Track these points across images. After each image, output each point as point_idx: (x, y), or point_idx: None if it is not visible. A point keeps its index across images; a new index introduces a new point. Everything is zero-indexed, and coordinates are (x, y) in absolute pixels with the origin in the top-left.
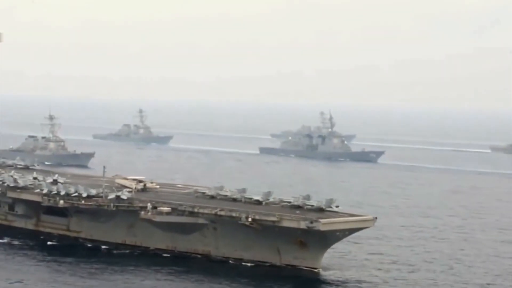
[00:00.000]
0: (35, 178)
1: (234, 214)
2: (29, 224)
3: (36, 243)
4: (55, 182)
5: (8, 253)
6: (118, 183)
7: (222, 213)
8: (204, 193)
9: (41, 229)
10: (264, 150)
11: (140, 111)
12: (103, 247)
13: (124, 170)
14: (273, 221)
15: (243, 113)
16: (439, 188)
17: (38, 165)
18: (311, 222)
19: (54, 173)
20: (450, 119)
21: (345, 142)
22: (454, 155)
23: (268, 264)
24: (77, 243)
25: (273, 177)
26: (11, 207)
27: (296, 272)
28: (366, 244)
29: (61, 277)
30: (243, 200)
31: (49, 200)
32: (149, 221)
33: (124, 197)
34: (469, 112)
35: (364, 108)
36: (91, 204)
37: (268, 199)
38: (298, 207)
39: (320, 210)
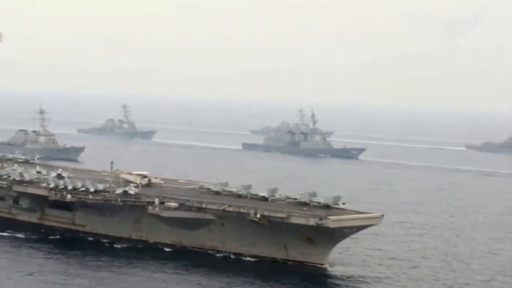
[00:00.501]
0: (38, 172)
1: (242, 210)
2: (33, 218)
3: (41, 237)
4: (59, 176)
5: (14, 246)
6: (123, 178)
7: (231, 209)
8: (209, 189)
9: (46, 222)
10: (247, 146)
11: (124, 106)
12: (105, 240)
13: (116, 165)
14: (282, 218)
15: (222, 110)
16: (423, 184)
17: (38, 159)
18: (320, 219)
19: (57, 168)
20: (425, 117)
21: (327, 139)
22: (432, 153)
23: (275, 259)
24: (82, 237)
25: (259, 173)
26: (16, 201)
27: (303, 268)
28: (362, 240)
29: (70, 269)
30: (249, 196)
31: (56, 194)
32: (157, 216)
33: (132, 192)
34: (442, 110)
35: (340, 105)
36: (98, 199)
37: (274, 196)
38: (305, 203)
39: (327, 207)
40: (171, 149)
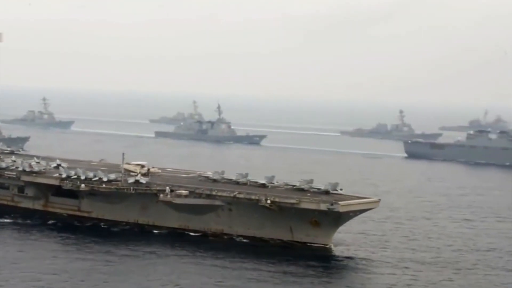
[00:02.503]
0: (38, 163)
1: (253, 197)
2: (37, 205)
3: (48, 222)
4: (59, 166)
5: (27, 232)
6: (124, 168)
7: (241, 195)
8: (207, 177)
9: (50, 209)
10: (160, 134)
11: (44, 99)
12: (111, 226)
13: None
14: (292, 203)
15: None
16: (327, 167)
17: (22, 150)
18: (332, 204)
19: (54, 158)
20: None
21: (232, 127)
22: (317, 138)
23: (280, 241)
24: (88, 222)
25: (185, 158)
26: (21, 189)
27: (309, 248)
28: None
29: (88, 250)
30: (248, 183)
31: (70, 183)
32: (168, 203)
33: (143, 181)
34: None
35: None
36: (111, 188)
37: (272, 183)
38: (302, 190)
39: (326, 192)
40: (92, 137)
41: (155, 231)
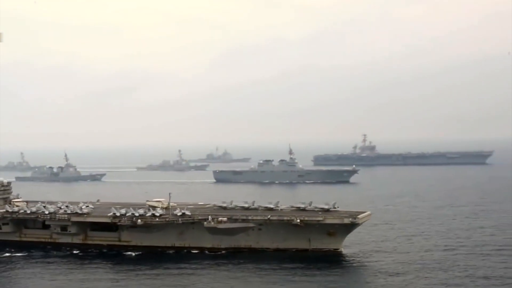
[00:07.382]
0: (67, 206)
1: (285, 218)
2: (76, 240)
3: (87, 254)
4: (88, 207)
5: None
6: (148, 205)
7: (274, 218)
8: (220, 206)
9: (89, 242)
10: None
11: None
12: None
13: None
14: (318, 220)
15: None
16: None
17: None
18: (354, 218)
19: (79, 202)
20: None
21: (77, 170)
22: (130, 173)
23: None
24: (125, 251)
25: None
26: (64, 228)
27: (323, 253)
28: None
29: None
30: (259, 208)
31: (126, 219)
32: (212, 228)
33: (188, 213)
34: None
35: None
36: (163, 221)
37: (278, 206)
38: (304, 209)
39: (327, 210)
40: None
41: (193, 251)
